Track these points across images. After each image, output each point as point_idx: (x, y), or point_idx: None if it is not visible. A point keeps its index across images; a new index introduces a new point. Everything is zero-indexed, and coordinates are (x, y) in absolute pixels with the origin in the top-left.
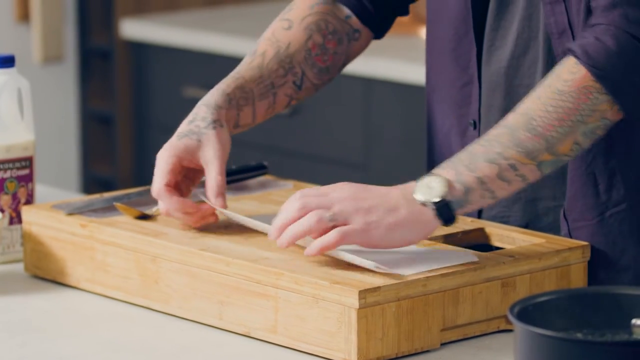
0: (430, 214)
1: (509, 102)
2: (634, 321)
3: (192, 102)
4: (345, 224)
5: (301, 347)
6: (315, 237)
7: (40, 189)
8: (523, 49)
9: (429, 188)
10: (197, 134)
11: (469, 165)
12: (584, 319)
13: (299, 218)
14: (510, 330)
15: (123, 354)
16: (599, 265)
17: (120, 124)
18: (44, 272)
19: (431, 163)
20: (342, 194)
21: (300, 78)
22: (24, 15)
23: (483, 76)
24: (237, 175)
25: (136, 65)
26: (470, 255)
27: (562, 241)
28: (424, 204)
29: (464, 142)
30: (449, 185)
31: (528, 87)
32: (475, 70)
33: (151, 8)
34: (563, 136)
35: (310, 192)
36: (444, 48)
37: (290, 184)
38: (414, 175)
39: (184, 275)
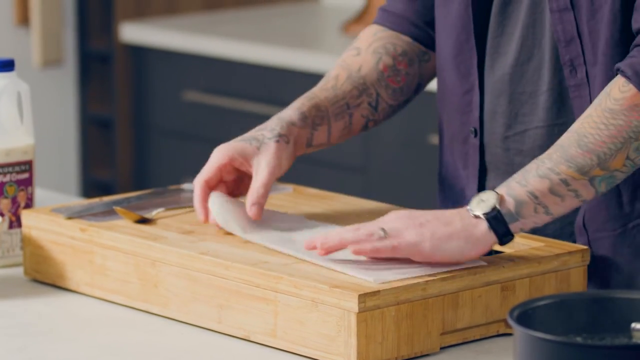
0: (483, 226)
1: (513, 108)
2: (633, 325)
3: (192, 106)
4: (394, 237)
5: (301, 351)
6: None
7: (39, 193)
8: (527, 56)
9: (481, 201)
10: (259, 141)
11: (521, 181)
12: (584, 323)
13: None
14: (509, 334)
15: (122, 357)
16: (619, 276)
17: (120, 127)
18: (44, 276)
19: (440, 169)
20: (395, 215)
21: (375, 99)
22: (24, 19)
23: (486, 83)
24: None
25: (136, 69)
26: (478, 260)
27: (561, 245)
28: (476, 216)
29: (464, 149)
30: (501, 198)
31: (532, 94)
32: (476, 78)
33: (151, 12)
34: (615, 152)
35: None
36: (447, 55)
37: (289, 187)
38: (413, 179)
39: (183, 279)
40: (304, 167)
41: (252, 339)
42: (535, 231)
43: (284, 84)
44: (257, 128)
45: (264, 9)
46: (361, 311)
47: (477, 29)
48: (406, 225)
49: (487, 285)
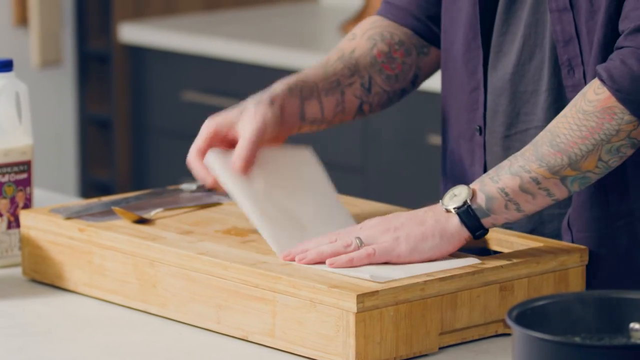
0: (455, 220)
1: (514, 107)
2: (632, 325)
3: (191, 106)
4: (370, 244)
5: (299, 351)
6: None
7: (38, 193)
8: (529, 55)
9: (453, 195)
10: (240, 107)
11: (494, 177)
12: (582, 323)
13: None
14: (508, 334)
15: (121, 357)
16: (606, 276)
17: (119, 128)
18: (42, 276)
19: (444, 168)
20: (370, 222)
21: (368, 81)
22: (22, 20)
23: (489, 82)
24: None
25: (134, 69)
26: (472, 259)
27: (560, 245)
28: (448, 210)
29: (471, 147)
30: (473, 193)
31: (533, 94)
32: (482, 76)
33: (149, 12)
34: (586, 153)
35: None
36: (456, 53)
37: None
38: (412, 179)
39: (181, 279)
40: None
41: (250, 339)
42: (532, 230)
43: None
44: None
45: (263, 9)
46: (360, 311)
47: (483, 28)
48: (381, 231)
49: (485, 285)
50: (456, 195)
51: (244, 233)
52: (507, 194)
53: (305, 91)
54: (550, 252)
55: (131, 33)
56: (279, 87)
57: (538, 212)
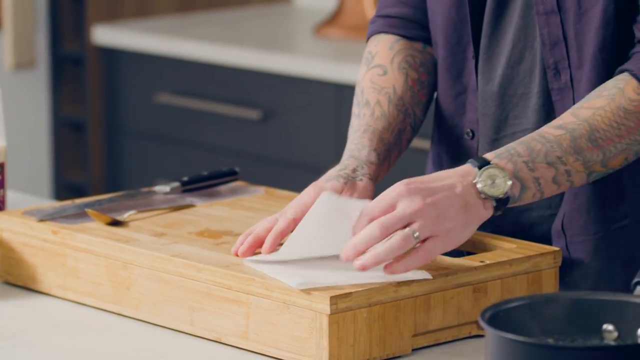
0: (489, 207)
1: (503, 111)
2: (605, 326)
3: (164, 108)
4: (427, 238)
5: (273, 352)
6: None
7: (11, 196)
8: (518, 58)
9: (493, 183)
10: (346, 178)
11: (529, 163)
12: (555, 325)
13: (382, 239)
14: (481, 336)
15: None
16: (597, 280)
17: (92, 130)
18: (15, 279)
19: (428, 170)
20: (413, 205)
21: (413, 119)
22: None
23: (479, 85)
24: (208, 181)
25: (108, 71)
26: (423, 273)
27: (533, 246)
28: (487, 197)
29: (457, 152)
30: (511, 182)
31: (523, 97)
32: (472, 80)
33: (123, 14)
34: (619, 152)
35: (377, 208)
36: (438, 57)
37: (261, 189)
38: (394, 182)
39: (155, 281)
40: (276, 169)
41: (224, 341)
42: (520, 233)
43: (257, 86)
44: (337, 168)
45: (236, 11)
46: (333, 313)
47: (471, 31)
48: (433, 219)
49: (459, 287)
50: (495, 184)
51: (217, 235)
52: (539, 184)
53: (384, 154)
54: (524, 253)
55: (105, 35)
56: (372, 156)
57: (527, 215)
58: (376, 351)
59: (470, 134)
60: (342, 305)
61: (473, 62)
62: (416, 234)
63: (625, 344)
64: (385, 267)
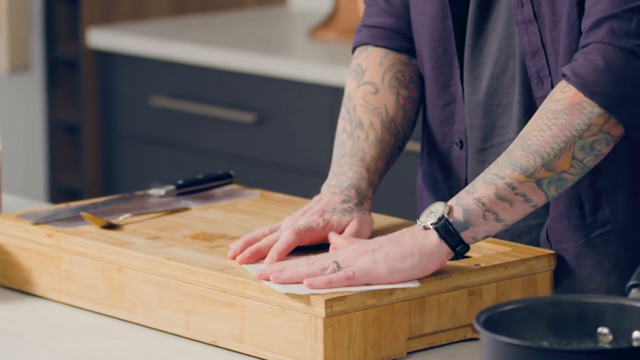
0: (434, 237)
1: (489, 121)
2: (599, 329)
3: (159, 111)
4: (347, 267)
5: (268, 356)
6: None
7: (6, 199)
8: (502, 68)
9: (430, 212)
10: (350, 212)
11: (469, 189)
12: (550, 328)
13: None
14: (476, 339)
15: None
16: (585, 287)
17: (87, 133)
18: (10, 282)
19: (419, 179)
20: (348, 248)
21: (402, 140)
22: None
23: (465, 95)
24: (203, 185)
25: (103, 74)
26: (412, 283)
27: (528, 250)
28: (426, 227)
29: (446, 161)
30: (450, 208)
31: (507, 106)
32: (459, 90)
33: (118, 17)
34: (558, 152)
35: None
36: (424, 67)
37: (256, 193)
38: (386, 185)
39: (150, 284)
40: (270, 172)
41: (219, 345)
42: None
43: (252, 89)
44: (338, 197)
45: (231, 14)
46: (328, 316)
47: (455, 42)
48: (358, 254)
49: (454, 290)
50: (432, 212)
51: (212, 238)
52: (483, 204)
53: (376, 184)
54: (518, 256)
55: (100, 38)
56: (370, 192)
57: (515, 224)
58: (371, 354)
59: (459, 144)
60: (337, 308)
61: (458, 72)
62: (334, 263)
63: (620, 347)
64: (306, 284)
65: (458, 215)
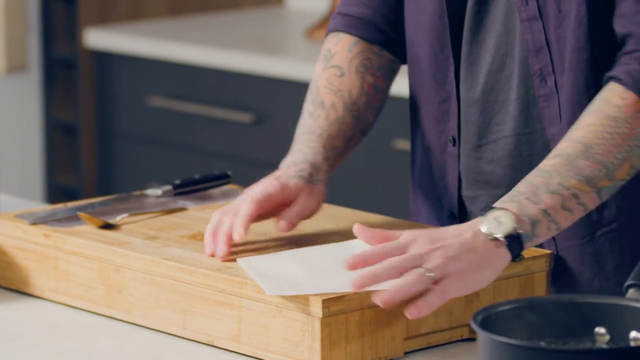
0: (503, 249)
1: (485, 118)
2: (597, 329)
3: (157, 112)
4: (441, 278)
5: (265, 356)
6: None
7: (3, 199)
8: (500, 65)
9: (498, 223)
10: (306, 179)
11: (532, 197)
12: (548, 328)
13: (391, 277)
14: (473, 339)
15: None
16: (588, 283)
17: (85, 133)
18: (8, 282)
19: (413, 179)
20: (422, 248)
21: (365, 124)
22: None
23: (461, 92)
24: (200, 185)
25: (100, 74)
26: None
27: (525, 250)
28: (496, 239)
29: (442, 159)
30: (518, 219)
31: (504, 103)
32: (454, 87)
33: (115, 17)
34: (621, 162)
35: (388, 247)
36: (422, 65)
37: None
38: (378, 183)
39: (147, 284)
40: (268, 173)
41: (216, 345)
42: None
43: (249, 89)
44: (294, 168)
45: (229, 14)
46: (325, 316)
47: (452, 39)
48: (444, 259)
49: None
50: (501, 223)
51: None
52: (549, 215)
53: (334, 160)
54: None
55: (97, 38)
56: (324, 165)
57: None
58: (368, 354)
59: (452, 141)
60: (334, 308)
61: (453, 69)
62: (429, 274)
63: (617, 347)
64: (409, 310)
65: (526, 227)
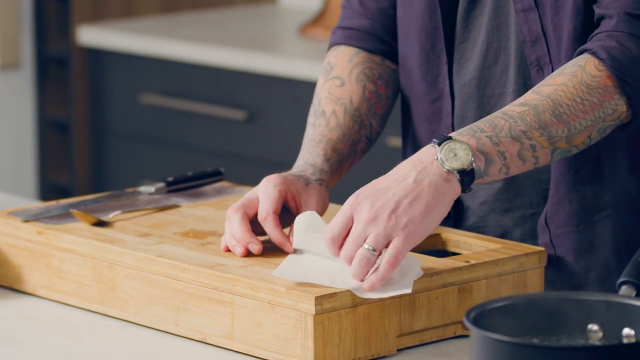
0: (454, 182)
1: (482, 112)
2: (589, 326)
3: (149, 109)
4: (388, 242)
5: (258, 353)
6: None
7: None
8: (493, 59)
9: (454, 155)
10: (306, 179)
11: (492, 137)
12: (541, 325)
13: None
14: (466, 336)
15: None
16: (585, 269)
17: (77, 130)
18: (1, 279)
19: None
20: (362, 216)
21: (369, 130)
22: None
23: (455, 89)
24: (193, 182)
25: (93, 71)
26: (405, 283)
27: (518, 247)
28: (449, 171)
29: None
30: (474, 154)
31: (500, 97)
32: (446, 85)
33: (108, 14)
34: (583, 128)
35: (335, 227)
36: (412, 64)
37: (246, 190)
38: (369, 181)
39: (140, 281)
40: (261, 170)
41: (209, 342)
42: (504, 234)
43: (242, 87)
44: (293, 172)
45: (221, 12)
46: (318, 313)
47: (445, 37)
48: (384, 222)
49: (444, 287)
50: (457, 155)
51: (202, 235)
52: (505, 158)
53: (337, 164)
54: (509, 253)
55: (90, 35)
56: (325, 166)
57: (509, 215)
58: (361, 351)
59: None
60: (327, 305)
61: (446, 67)
62: (371, 249)
63: (610, 344)
64: (366, 288)
65: (480, 164)
